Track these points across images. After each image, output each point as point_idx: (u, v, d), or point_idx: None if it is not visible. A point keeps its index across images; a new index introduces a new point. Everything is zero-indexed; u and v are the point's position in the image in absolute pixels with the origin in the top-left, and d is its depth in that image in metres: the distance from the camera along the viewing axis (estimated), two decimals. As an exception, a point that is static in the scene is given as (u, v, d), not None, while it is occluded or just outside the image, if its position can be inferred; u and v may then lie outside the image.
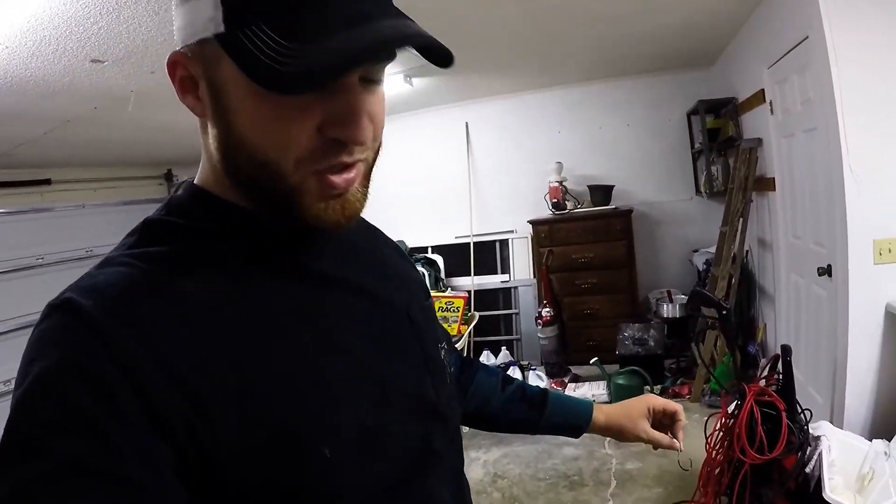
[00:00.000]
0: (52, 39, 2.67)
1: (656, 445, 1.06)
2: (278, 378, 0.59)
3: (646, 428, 1.06)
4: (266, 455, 0.56)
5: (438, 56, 0.59)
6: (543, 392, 1.08)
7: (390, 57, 0.60)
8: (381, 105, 0.64)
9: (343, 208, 0.63)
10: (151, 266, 0.60)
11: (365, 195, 0.66)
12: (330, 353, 0.64)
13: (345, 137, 0.59)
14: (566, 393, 4.42)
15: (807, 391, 3.18)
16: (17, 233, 5.09)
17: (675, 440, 1.05)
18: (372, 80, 0.62)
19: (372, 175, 0.68)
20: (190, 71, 0.62)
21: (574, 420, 1.07)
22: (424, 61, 0.60)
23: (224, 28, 0.56)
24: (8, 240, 4.98)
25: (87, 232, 5.61)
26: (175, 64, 0.63)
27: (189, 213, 0.67)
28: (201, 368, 0.54)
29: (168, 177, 6.62)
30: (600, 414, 1.07)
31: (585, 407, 1.08)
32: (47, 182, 5.37)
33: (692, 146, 5.37)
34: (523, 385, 1.09)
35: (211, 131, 0.63)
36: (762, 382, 2.42)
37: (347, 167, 0.62)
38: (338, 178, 0.61)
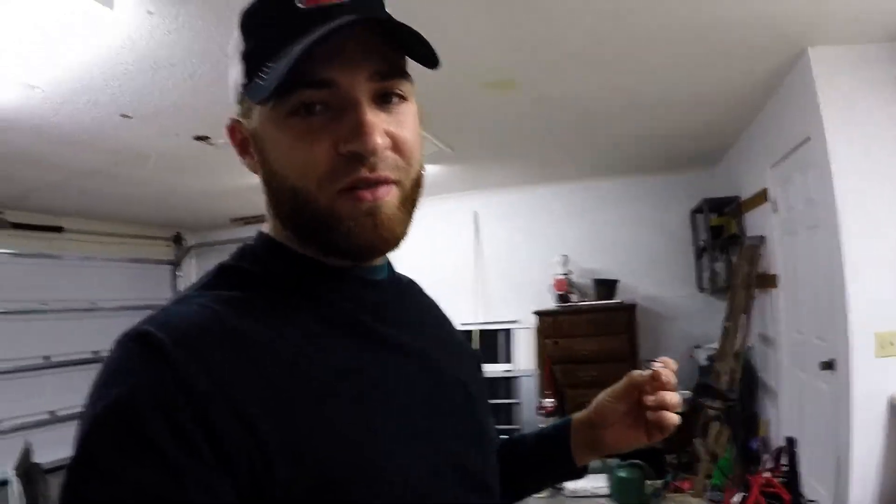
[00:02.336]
0: (86, 90, 2.78)
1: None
2: (336, 428, 0.59)
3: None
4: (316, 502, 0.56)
5: (419, 52, 0.64)
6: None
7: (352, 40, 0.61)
8: (406, 124, 0.66)
9: (375, 226, 0.63)
10: (223, 308, 0.62)
11: (404, 221, 0.67)
12: (386, 412, 0.64)
13: (355, 149, 0.61)
14: (565, 485, 4.30)
15: (810, 485, 3.08)
16: (23, 275, 5.11)
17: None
18: (388, 98, 0.65)
19: (414, 204, 0.69)
20: (243, 133, 0.70)
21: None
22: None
23: (246, 80, 0.66)
24: (13, 281, 5.00)
25: (91, 284, 5.64)
26: (233, 130, 0.71)
27: (260, 260, 0.70)
28: (263, 410, 0.55)
29: (177, 240, 6.66)
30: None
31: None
32: (59, 229, 5.42)
33: (696, 243, 5.46)
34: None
35: (261, 180, 0.69)
36: (766, 474, 2.36)
37: (375, 184, 0.63)
38: (365, 192, 0.63)
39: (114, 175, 4.18)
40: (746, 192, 4.37)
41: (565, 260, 5.54)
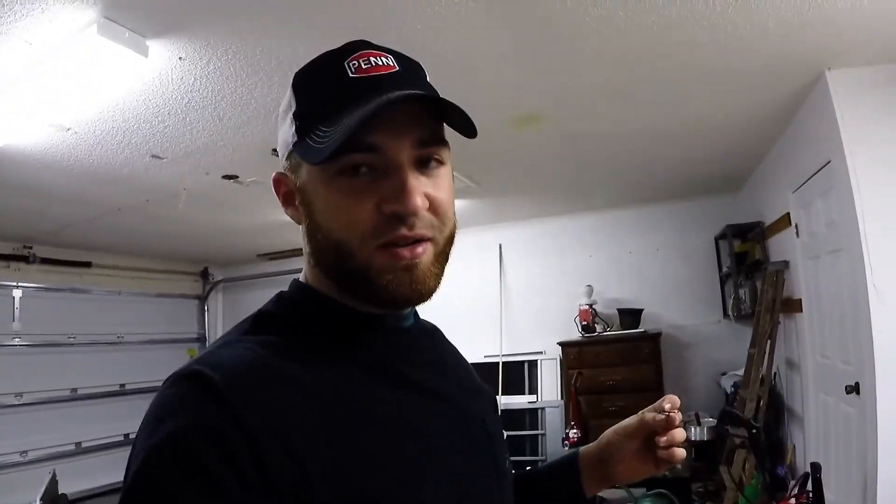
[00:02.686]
0: (118, 131, 2.87)
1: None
2: (371, 461, 0.64)
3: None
4: None
5: (458, 122, 0.70)
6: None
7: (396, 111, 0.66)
8: (443, 187, 0.72)
9: (411, 282, 0.69)
10: (266, 352, 0.67)
11: (437, 275, 0.72)
12: (418, 448, 0.69)
13: (398, 209, 0.66)
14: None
15: (837, 510, 3.04)
16: (53, 310, 5.24)
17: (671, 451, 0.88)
18: (427, 162, 0.70)
19: (446, 259, 0.75)
20: (288, 186, 0.75)
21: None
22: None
23: (297, 138, 0.70)
24: (43, 315, 5.12)
25: (119, 318, 5.74)
26: (278, 182, 0.77)
27: (297, 307, 0.76)
28: (306, 443, 0.60)
29: (204, 275, 6.78)
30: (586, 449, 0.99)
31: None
32: (88, 265, 5.57)
33: (720, 270, 5.43)
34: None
35: (303, 231, 0.74)
36: (792, 501, 2.33)
37: (414, 243, 0.68)
38: (403, 251, 0.68)
39: (144, 212, 4.29)
40: (769, 218, 4.35)
41: (590, 290, 5.53)
